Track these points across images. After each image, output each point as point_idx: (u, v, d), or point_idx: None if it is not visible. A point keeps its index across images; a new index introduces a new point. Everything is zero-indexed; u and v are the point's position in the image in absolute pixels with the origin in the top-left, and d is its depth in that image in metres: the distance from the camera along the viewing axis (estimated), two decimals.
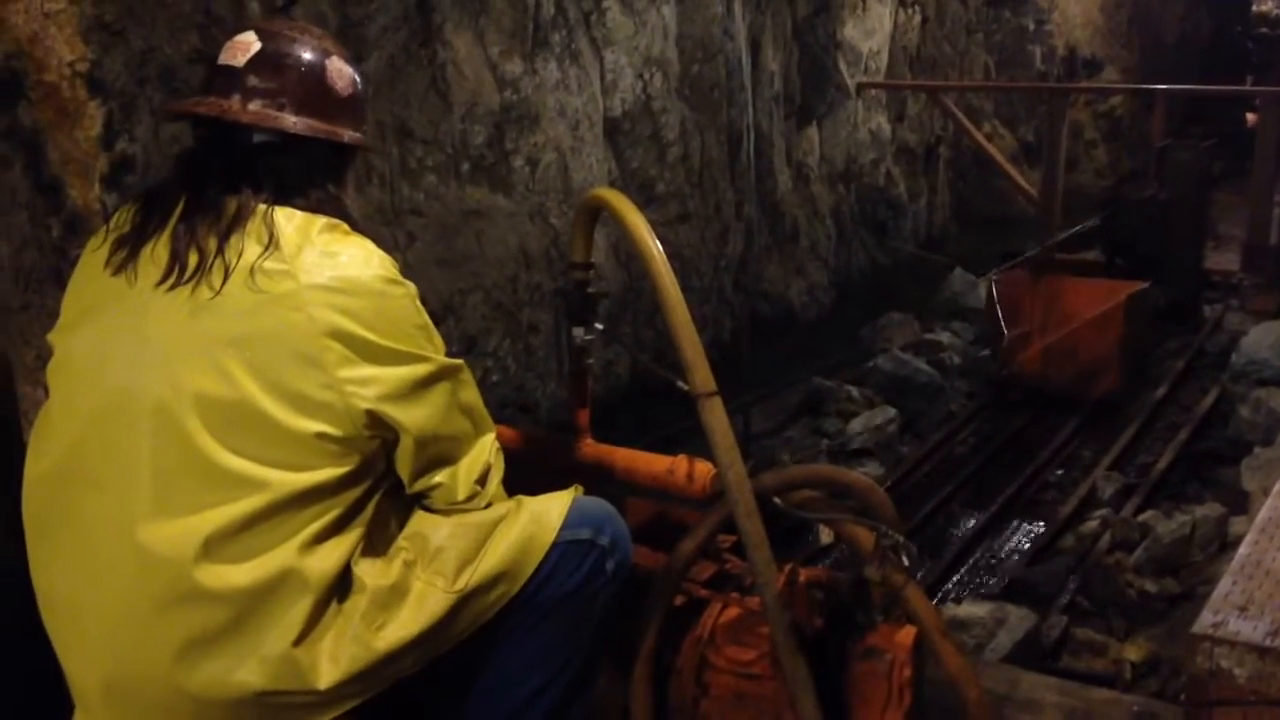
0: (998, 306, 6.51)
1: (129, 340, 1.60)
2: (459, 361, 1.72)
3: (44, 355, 3.17)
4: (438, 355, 1.68)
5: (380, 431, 1.62)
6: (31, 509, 1.65)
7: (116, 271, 1.63)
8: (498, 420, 1.90)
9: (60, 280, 3.23)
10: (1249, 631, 1.50)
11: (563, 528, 1.80)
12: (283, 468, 1.54)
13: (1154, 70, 13.49)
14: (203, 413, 1.54)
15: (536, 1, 5.40)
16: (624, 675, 2.12)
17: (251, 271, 1.56)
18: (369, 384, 1.58)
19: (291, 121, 1.67)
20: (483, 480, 1.77)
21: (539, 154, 5.47)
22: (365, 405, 1.58)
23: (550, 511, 1.82)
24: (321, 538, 1.57)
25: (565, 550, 1.79)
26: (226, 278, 1.56)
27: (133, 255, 1.62)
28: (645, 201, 6.40)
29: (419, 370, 1.64)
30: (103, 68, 3.35)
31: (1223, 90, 11.09)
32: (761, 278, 7.70)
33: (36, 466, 1.65)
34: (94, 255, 1.68)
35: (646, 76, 6.30)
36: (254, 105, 1.66)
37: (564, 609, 1.80)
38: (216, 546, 1.53)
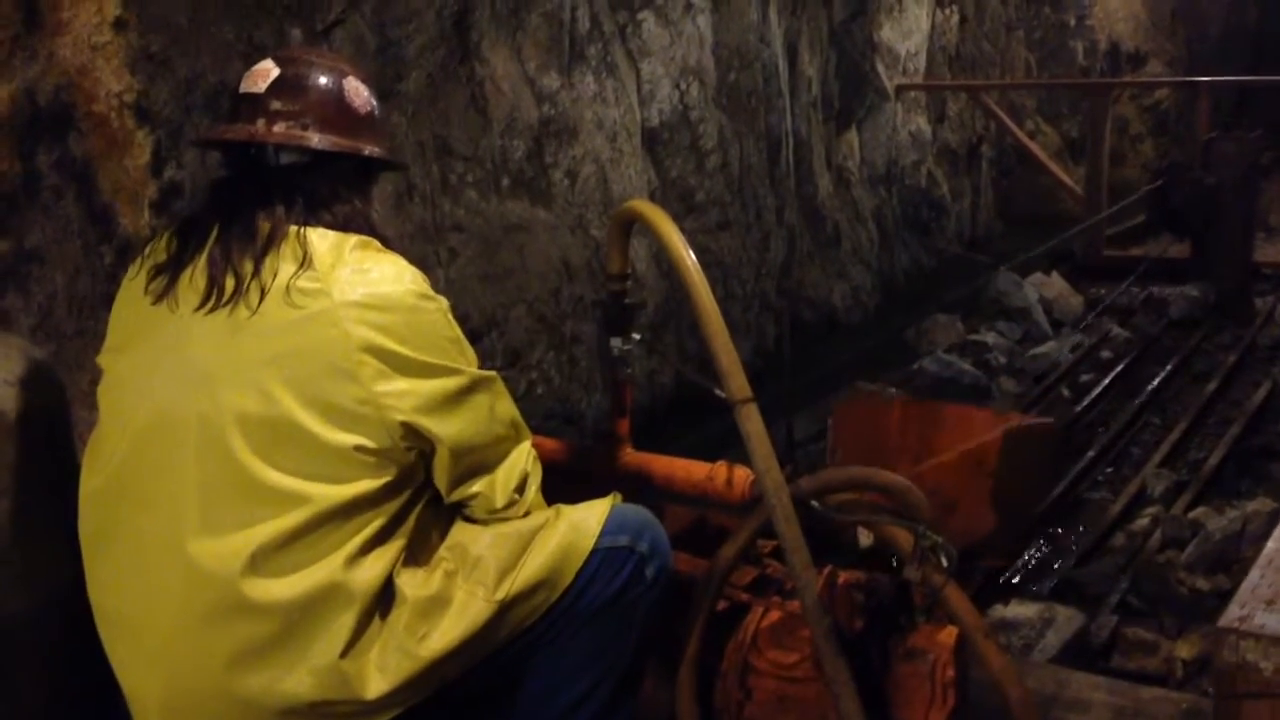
0: (830, 433, 4.42)
1: (172, 363, 1.67)
2: (491, 373, 1.78)
3: (97, 379, 3.26)
4: (470, 367, 1.74)
5: (417, 443, 1.67)
6: (86, 527, 1.73)
7: (157, 300, 1.70)
8: (542, 432, 1.94)
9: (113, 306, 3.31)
10: (1275, 624, 1.51)
11: (601, 535, 1.84)
12: (323, 481, 1.60)
13: (1200, 62, 13.32)
14: (245, 430, 1.60)
15: (572, 16, 5.46)
16: (669, 680, 2.15)
17: (287, 289, 1.62)
18: (404, 397, 1.64)
19: (316, 139, 1.75)
20: (521, 488, 1.82)
21: (578, 166, 5.52)
22: (401, 417, 1.63)
23: (589, 519, 1.85)
24: (365, 550, 1.63)
25: (604, 557, 1.83)
26: (263, 297, 1.62)
27: (172, 283, 1.70)
28: (685, 210, 6.42)
29: (452, 383, 1.70)
30: (150, 97, 3.43)
31: (1269, 80, 10.93)
32: (804, 283, 7.70)
33: (88, 485, 1.73)
34: (132, 283, 1.76)
35: (683, 86, 6.33)
36: (279, 127, 1.74)
37: (605, 615, 1.84)
38: (262, 561, 1.58)
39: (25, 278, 3.08)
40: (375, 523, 1.64)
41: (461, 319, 5.24)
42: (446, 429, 1.68)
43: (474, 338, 4.98)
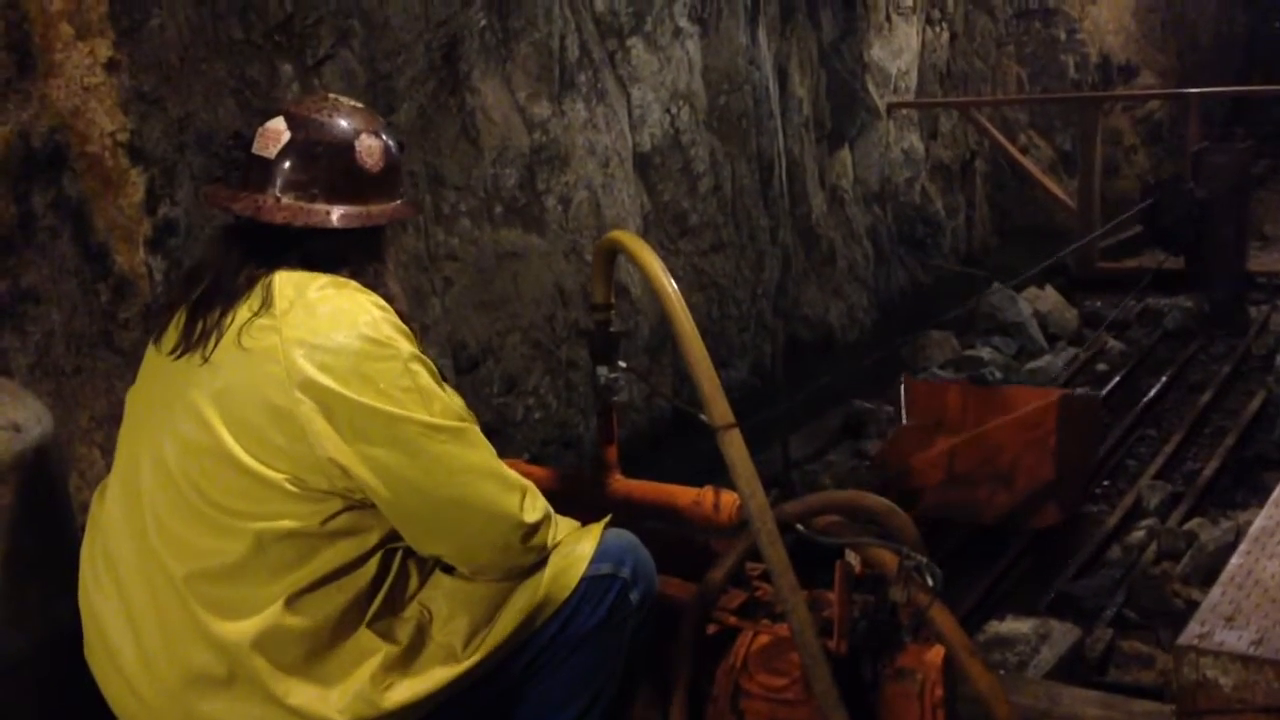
0: (904, 408, 5.13)
1: (148, 402, 1.78)
2: (458, 424, 1.72)
3: (97, 417, 3.30)
4: (430, 417, 1.68)
5: (351, 484, 1.66)
6: (83, 552, 1.82)
7: (156, 341, 1.81)
8: (541, 458, 1.93)
9: (110, 343, 3.35)
10: (1234, 641, 1.52)
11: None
12: (260, 518, 1.63)
13: (1191, 72, 13.38)
14: (186, 460, 1.67)
15: (561, 44, 5.51)
16: (661, 706, 2.17)
17: (240, 332, 1.67)
18: (335, 439, 1.63)
19: (323, 213, 1.75)
20: (523, 539, 1.78)
21: (571, 193, 5.56)
22: (331, 456, 1.63)
23: (581, 548, 1.87)
24: (310, 589, 1.65)
25: (588, 586, 1.85)
26: (218, 344, 1.68)
27: (165, 327, 1.79)
28: (679, 233, 6.47)
29: (396, 429, 1.66)
30: (142, 136, 3.48)
31: (1259, 90, 10.98)
32: (800, 302, 7.74)
33: (91, 514, 1.85)
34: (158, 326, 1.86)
35: (674, 111, 6.38)
36: (286, 199, 1.75)
37: (591, 643, 1.86)
38: (209, 588, 1.64)
39: (22, 317, 3.13)
40: (327, 565, 1.65)
41: (458, 347, 5.25)
42: (380, 476, 1.64)
43: (470, 365, 5.03)
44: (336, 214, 1.75)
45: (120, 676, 1.71)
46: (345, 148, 1.78)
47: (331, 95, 1.90)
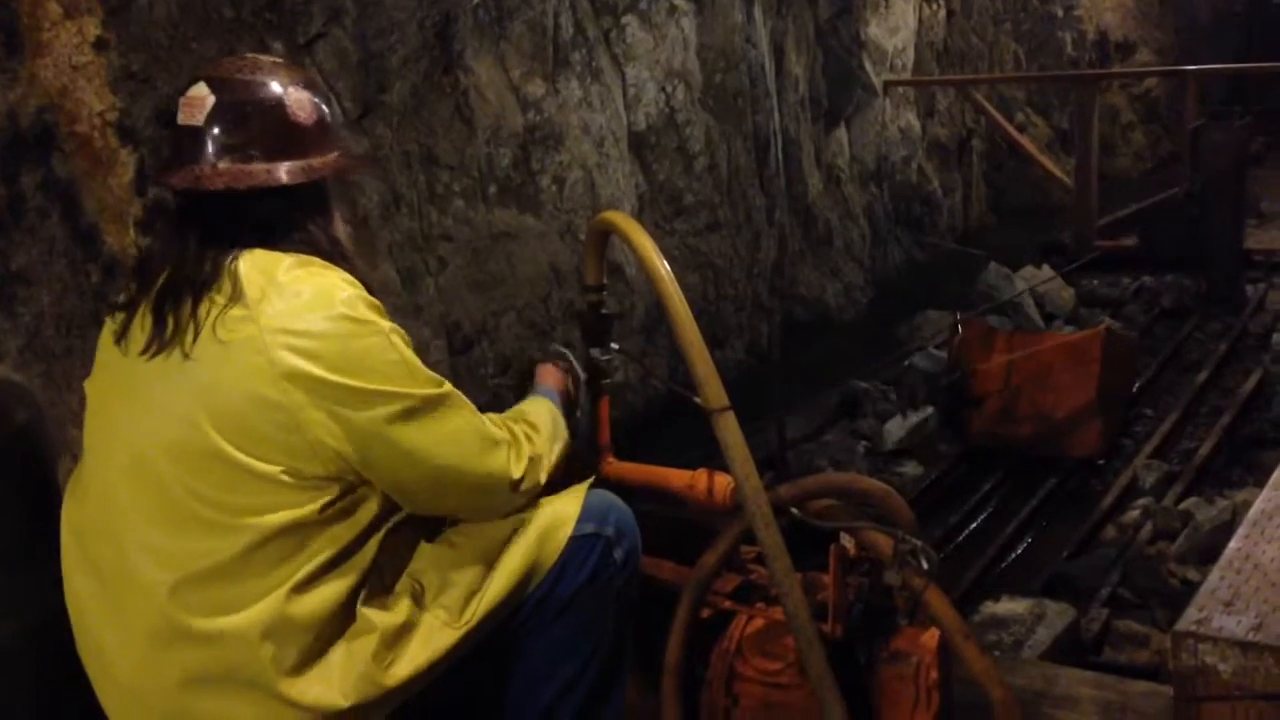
0: (959, 347, 5.80)
1: (121, 405, 1.69)
2: (444, 390, 1.71)
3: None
4: (420, 389, 1.67)
5: (346, 467, 1.64)
6: (64, 555, 1.76)
7: (117, 340, 1.71)
8: None
9: (101, 324, 3.32)
10: (1233, 627, 1.51)
11: None
12: (253, 513, 1.59)
13: (1189, 49, 13.33)
14: (175, 463, 1.61)
15: (555, 23, 5.48)
16: (654, 688, 2.16)
17: (215, 325, 1.60)
18: (331, 427, 1.60)
19: (263, 172, 1.67)
20: (495, 504, 1.80)
21: (565, 172, 5.53)
22: (322, 440, 1.60)
23: (567, 509, 1.87)
24: (312, 579, 1.62)
25: (572, 547, 1.85)
26: (196, 338, 1.61)
27: (127, 323, 1.69)
28: (675, 213, 6.44)
29: (393, 407, 1.64)
30: (132, 116, 3.45)
31: (1257, 67, 10.94)
32: (797, 282, 7.72)
33: (67, 514, 1.79)
34: (111, 320, 1.76)
35: (669, 89, 6.35)
36: (223, 164, 1.67)
37: (579, 603, 1.86)
38: (191, 590, 1.59)
39: (11, 299, 3.10)
40: (324, 552, 1.63)
41: (452, 328, 5.24)
42: (375, 453, 1.63)
43: (465, 346, 5.02)
44: (278, 171, 1.68)
45: (116, 686, 1.68)
46: (275, 103, 1.69)
47: (249, 54, 1.80)
